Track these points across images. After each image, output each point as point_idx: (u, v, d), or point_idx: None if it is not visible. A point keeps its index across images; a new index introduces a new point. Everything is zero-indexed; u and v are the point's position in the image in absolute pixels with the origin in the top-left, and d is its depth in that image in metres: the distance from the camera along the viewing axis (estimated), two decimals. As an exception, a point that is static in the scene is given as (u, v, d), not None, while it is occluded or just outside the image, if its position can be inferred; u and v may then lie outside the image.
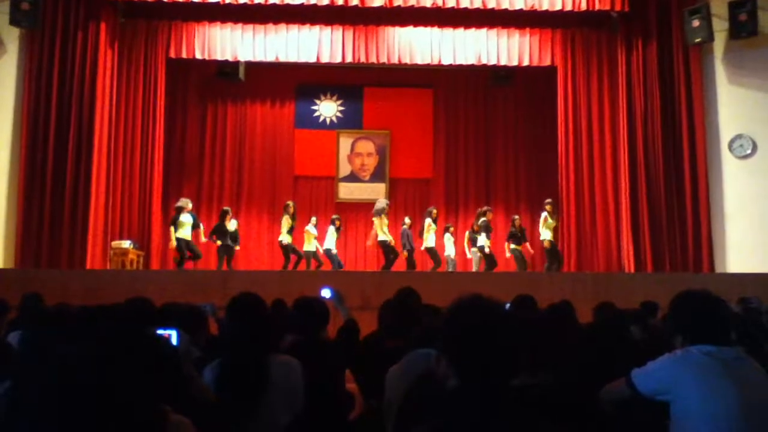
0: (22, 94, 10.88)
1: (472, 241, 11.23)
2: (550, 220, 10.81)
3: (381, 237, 10.74)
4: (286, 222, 10.99)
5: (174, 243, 10.34)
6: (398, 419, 2.24)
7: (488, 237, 10.89)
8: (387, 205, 11.15)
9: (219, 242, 10.72)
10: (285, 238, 10.97)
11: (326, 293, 4.14)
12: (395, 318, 3.43)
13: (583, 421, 2.23)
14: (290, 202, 11.28)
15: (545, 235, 10.78)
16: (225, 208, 11.25)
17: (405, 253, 10.85)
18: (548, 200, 11.09)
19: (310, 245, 11.13)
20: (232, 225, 10.90)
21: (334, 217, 11.48)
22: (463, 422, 1.39)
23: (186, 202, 10.62)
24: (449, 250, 11.42)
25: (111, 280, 9.01)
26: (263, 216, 13.16)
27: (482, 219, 11.01)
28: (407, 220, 11.40)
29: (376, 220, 10.81)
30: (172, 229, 10.41)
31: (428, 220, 11.06)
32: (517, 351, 1.52)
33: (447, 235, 11.54)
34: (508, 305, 3.51)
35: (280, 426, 2.59)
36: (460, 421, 1.39)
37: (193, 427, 1.62)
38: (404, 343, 3.00)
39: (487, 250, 10.78)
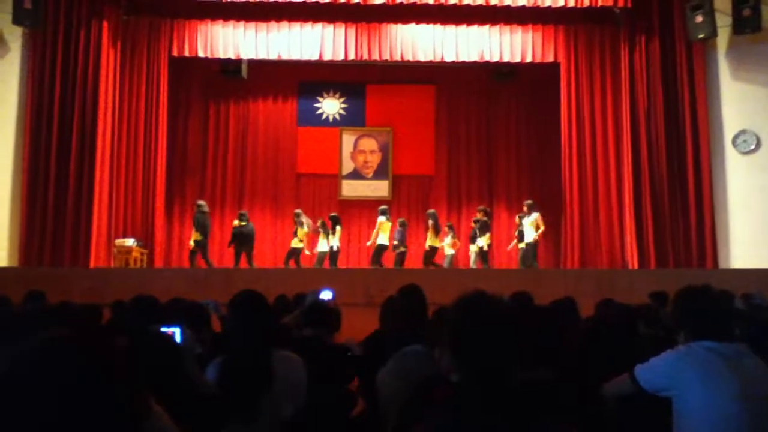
0: (25, 92, 10.90)
1: (472, 240, 11.42)
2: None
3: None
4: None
5: None
6: (401, 419, 2.23)
7: (483, 235, 11.10)
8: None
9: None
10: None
11: (327, 295, 4.15)
12: (398, 315, 3.42)
13: (585, 418, 2.23)
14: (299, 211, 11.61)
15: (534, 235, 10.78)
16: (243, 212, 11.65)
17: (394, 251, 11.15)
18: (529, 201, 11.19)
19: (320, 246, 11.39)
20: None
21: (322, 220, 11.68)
22: (466, 418, 1.39)
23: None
24: (447, 248, 11.49)
25: (115, 278, 9.04)
26: (266, 214, 13.17)
27: (479, 219, 11.26)
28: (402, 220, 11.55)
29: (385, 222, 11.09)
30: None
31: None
32: (521, 347, 1.52)
33: (449, 237, 11.62)
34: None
35: (281, 420, 2.60)
36: (462, 417, 1.39)
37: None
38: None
39: (485, 248, 11.04)
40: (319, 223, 11.49)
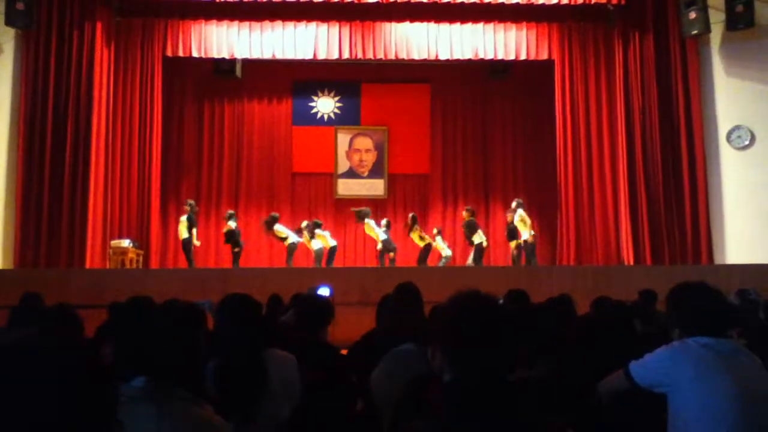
0: (18, 94, 10.87)
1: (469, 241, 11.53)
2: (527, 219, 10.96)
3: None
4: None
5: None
6: (395, 418, 2.23)
7: (474, 234, 11.17)
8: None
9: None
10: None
11: (325, 291, 4.15)
12: (394, 314, 3.42)
13: (581, 414, 2.23)
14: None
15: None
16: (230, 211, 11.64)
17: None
18: (519, 200, 11.25)
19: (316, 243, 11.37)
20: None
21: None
22: (459, 417, 1.39)
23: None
24: (445, 250, 11.50)
25: (111, 279, 9.01)
26: (262, 213, 13.11)
27: (467, 220, 11.33)
28: (385, 221, 11.58)
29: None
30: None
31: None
32: (516, 345, 1.52)
33: (438, 238, 11.62)
34: (501, 300, 3.51)
35: (280, 420, 2.60)
36: (456, 417, 1.39)
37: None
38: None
39: (484, 245, 11.14)
40: (303, 225, 11.50)
